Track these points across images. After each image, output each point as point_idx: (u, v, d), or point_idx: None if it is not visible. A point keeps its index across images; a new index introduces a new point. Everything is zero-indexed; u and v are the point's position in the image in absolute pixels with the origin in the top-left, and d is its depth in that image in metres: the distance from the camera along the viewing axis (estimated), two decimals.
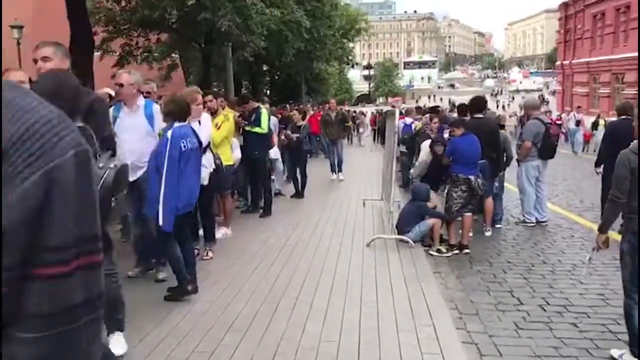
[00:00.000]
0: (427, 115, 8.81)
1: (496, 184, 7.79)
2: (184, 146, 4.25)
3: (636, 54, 22.47)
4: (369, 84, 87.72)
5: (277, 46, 24.54)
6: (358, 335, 3.93)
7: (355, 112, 30.36)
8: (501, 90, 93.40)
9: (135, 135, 4.83)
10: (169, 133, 4.23)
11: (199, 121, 5.54)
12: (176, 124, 4.32)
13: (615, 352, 3.81)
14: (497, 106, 59.12)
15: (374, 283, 5.13)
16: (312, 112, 17.85)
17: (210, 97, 6.53)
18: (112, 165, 2.87)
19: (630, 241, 3.60)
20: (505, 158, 8.00)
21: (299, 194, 10.04)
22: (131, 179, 4.83)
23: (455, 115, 12.41)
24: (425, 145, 7.30)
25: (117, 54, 23.23)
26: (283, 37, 24.03)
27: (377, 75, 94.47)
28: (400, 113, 18.15)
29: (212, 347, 3.71)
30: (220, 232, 6.72)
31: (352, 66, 65.30)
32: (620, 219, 3.80)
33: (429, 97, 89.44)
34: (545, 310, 4.80)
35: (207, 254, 5.83)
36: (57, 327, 0.72)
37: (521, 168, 8.29)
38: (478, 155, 6.61)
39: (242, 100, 8.38)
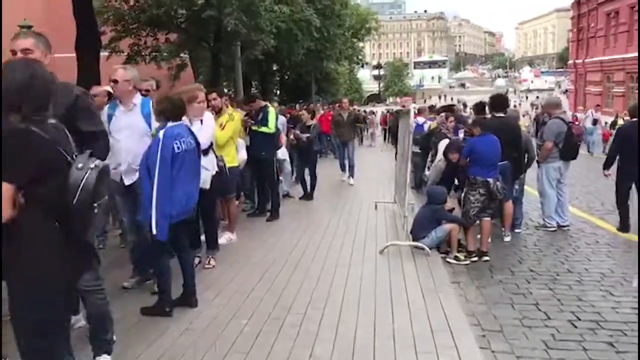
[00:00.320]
0: (443, 114, 8.37)
1: (516, 186, 7.37)
2: (178, 147, 3.89)
3: None
4: (379, 84, 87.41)
5: (287, 45, 24.21)
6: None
7: (365, 111, 29.94)
8: (514, 90, 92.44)
9: (132, 135, 4.48)
10: (161, 133, 3.86)
11: (201, 120, 5.19)
12: (169, 124, 3.96)
13: None
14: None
15: (389, 296, 4.73)
16: (322, 112, 17.44)
17: (214, 95, 6.17)
18: (92, 166, 2.52)
19: None
20: (526, 159, 7.58)
21: (307, 196, 9.67)
22: (127, 182, 4.50)
23: (466, 115, 12.07)
24: (443, 145, 6.90)
25: (126, 53, 23.03)
26: (293, 36, 23.71)
27: (387, 75, 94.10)
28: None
29: None
30: (224, 238, 6.36)
31: (362, 66, 64.86)
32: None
33: (439, 96, 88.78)
34: (576, 326, 4.38)
35: (209, 262, 5.47)
36: None
37: (541, 170, 7.87)
38: (497, 157, 6.20)
39: (249, 99, 8.02)
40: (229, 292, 4.77)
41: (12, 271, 2.39)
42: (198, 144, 4.22)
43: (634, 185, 7.50)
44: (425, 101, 66.70)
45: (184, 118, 5.08)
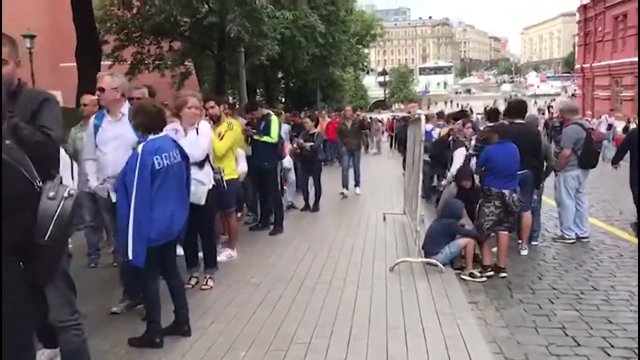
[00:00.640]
0: (460, 120, 7.93)
1: (534, 196, 6.96)
2: (159, 163, 3.50)
3: None
4: (385, 90, 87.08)
5: (291, 52, 23.96)
6: None
7: (371, 118, 29.56)
8: (516, 95, 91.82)
9: (119, 147, 4.12)
10: (140, 147, 3.48)
11: (197, 130, 4.82)
12: (150, 136, 3.57)
13: None
14: None
15: (402, 322, 4.32)
16: (328, 119, 17.07)
17: (211, 103, 5.80)
18: (65, 194, 2.15)
19: None
20: (544, 167, 7.18)
21: (309, 207, 9.28)
22: (114, 199, 4.13)
23: (474, 121, 11.62)
24: (459, 154, 6.50)
25: (129, 62, 22.82)
26: (297, 43, 23.45)
27: (393, 82, 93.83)
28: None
29: None
30: (224, 255, 5.98)
31: (368, 72, 64.66)
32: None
33: (445, 102, 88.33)
34: (609, 354, 3.96)
35: (206, 282, 5.08)
36: None
37: (559, 178, 7.46)
38: (515, 167, 5.80)
39: (251, 107, 7.65)
40: (226, 317, 4.37)
41: None
42: (185, 157, 3.84)
43: None
44: (428, 107, 66.23)
45: (175, 127, 4.74)
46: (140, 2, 18.76)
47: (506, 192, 5.70)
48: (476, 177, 6.12)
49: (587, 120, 23.88)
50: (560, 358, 3.90)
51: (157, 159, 3.46)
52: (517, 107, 7.14)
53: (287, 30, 21.07)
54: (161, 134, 3.63)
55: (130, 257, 3.39)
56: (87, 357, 2.91)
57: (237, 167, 6.02)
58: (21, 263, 2.10)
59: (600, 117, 22.11)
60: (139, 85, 5.43)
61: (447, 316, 4.43)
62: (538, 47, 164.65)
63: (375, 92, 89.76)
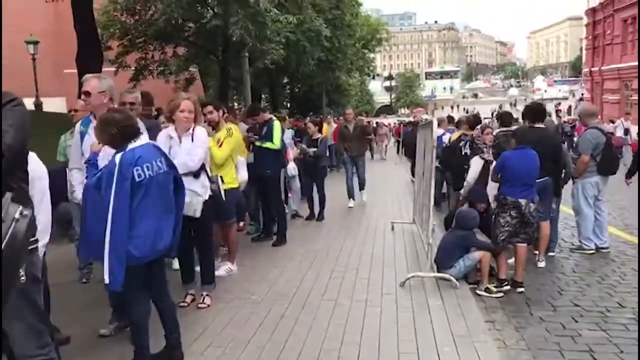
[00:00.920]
0: (478, 126, 7.52)
1: (553, 205, 6.59)
2: (140, 175, 3.15)
3: None
4: (390, 95, 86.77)
5: (296, 56, 23.67)
6: None
7: (377, 123, 29.20)
8: (521, 100, 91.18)
9: (108, 156, 3.77)
10: (118, 157, 3.14)
11: (192, 136, 4.49)
12: (130, 145, 3.23)
13: None
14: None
15: (415, 346, 3.94)
16: (334, 124, 16.72)
17: (209, 107, 5.46)
18: (17, 216, 1.82)
19: None
20: (563, 174, 6.81)
21: (314, 216, 8.93)
22: None
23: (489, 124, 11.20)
24: (476, 163, 6.13)
25: (133, 68, 22.61)
26: (301, 47, 23.17)
27: (399, 86, 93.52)
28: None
29: None
30: (223, 269, 5.63)
31: (373, 77, 64.38)
32: None
33: (452, 107, 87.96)
34: None
35: (203, 300, 4.72)
36: None
37: (577, 186, 7.09)
38: (534, 175, 5.44)
39: (252, 112, 7.32)
40: (223, 340, 4.02)
41: None
42: (173, 166, 3.49)
43: None
44: (433, 112, 65.75)
45: (169, 133, 4.42)
46: (140, 4, 18.49)
47: (522, 201, 5.33)
48: (492, 194, 5.76)
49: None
50: None
51: (137, 170, 3.12)
52: (536, 110, 6.79)
53: (292, 35, 20.80)
54: (142, 142, 3.28)
55: (107, 281, 3.05)
56: None
57: (237, 176, 5.68)
58: None
59: (615, 121, 21.58)
60: (131, 90, 5.11)
61: (464, 339, 4.06)
62: (545, 51, 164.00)
63: (381, 97, 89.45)
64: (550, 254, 6.78)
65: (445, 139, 9.21)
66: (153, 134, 4.63)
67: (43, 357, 2.45)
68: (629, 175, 7.30)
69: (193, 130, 4.51)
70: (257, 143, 6.86)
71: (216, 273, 5.51)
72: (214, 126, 5.51)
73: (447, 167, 8.67)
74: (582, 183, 7.01)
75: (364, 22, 40.42)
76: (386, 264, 6.14)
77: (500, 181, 5.48)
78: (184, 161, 4.33)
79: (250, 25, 14.34)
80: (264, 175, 6.96)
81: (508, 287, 5.46)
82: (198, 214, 4.34)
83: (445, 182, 9.66)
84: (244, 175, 5.84)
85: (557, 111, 49.74)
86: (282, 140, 7.13)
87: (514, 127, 7.66)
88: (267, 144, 6.84)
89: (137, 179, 3.11)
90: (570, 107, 64.27)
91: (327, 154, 12.78)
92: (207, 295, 4.76)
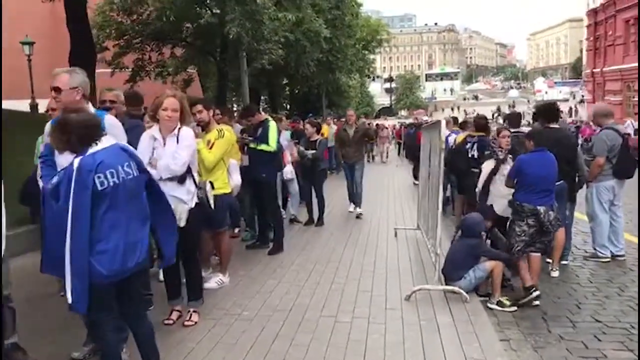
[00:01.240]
0: (496, 128, 7.05)
1: (567, 211, 6.19)
2: (103, 183, 2.75)
3: None
4: (391, 97, 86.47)
5: (296, 57, 23.28)
6: None
7: (377, 124, 28.79)
8: (527, 100, 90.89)
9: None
10: (76, 162, 2.73)
11: (177, 137, 4.08)
12: (92, 149, 2.81)
13: None
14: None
15: None
16: (334, 126, 16.31)
17: (199, 107, 5.04)
18: None
19: None
20: (577, 179, 6.41)
21: (312, 221, 8.51)
22: None
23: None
24: (487, 166, 5.71)
25: (130, 69, 22.25)
26: (301, 47, 22.78)
27: (399, 88, 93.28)
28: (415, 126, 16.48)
29: None
30: (214, 281, 5.22)
31: (373, 79, 64.04)
32: None
33: (452, 109, 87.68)
34: None
35: (190, 317, 4.30)
36: None
37: (592, 190, 6.69)
38: (552, 179, 5.04)
39: (246, 112, 6.91)
40: None
41: None
42: (145, 171, 3.07)
43: None
44: (431, 114, 65.31)
45: (152, 134, 4.02)
46: (135, 3, 18.14)
47: (541, 209, 4.92)
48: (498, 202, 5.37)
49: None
50: None
51: (99, 177, 2.70)
52: (550, 110, 6.39)
53: (291, 35, 20.42)
54: (106, 144, 2.86)
55: (70, 301, 2.64)
56: None
57: (229, 180, 5.26)
58: None
59: (625, 122, 21.13)
60: (112, 87, 4.70)
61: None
62: (545, 53, 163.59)
63: (382, 99, 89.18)
64: (564, 262, 6.38)
65: (451, 140, 8.80)
66: (136, 134, 4.24)
67: None
68: None
69: (179, 130, 4.10)
70: (252, 145, 6.45)
71: (206, 285, 5.14)
72: (204, 127, 5.10)
73: (453, 170, 8.26)
74: (597, 187, 6.62)
75: (364, 23, 40.05)
76: (390, 274, 5.71)
77: (516, 187, 5.07)
78: (166, 164, 3.93)
79: (247, 23, 13.94)
80: (259, 179, 6.55)
81: (538, 292, 5.01)
82: (183, 223, 3.93)
83: (450, 185, 9.25)
84: (236, 179, 5.42)
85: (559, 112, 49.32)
86: (279, 142, 6.71)
87: (523, 128, 7.27)
88: (263, 146, 6.43)
89: (100, 188, 2.69)
90: (571, 108, 63.94)
91: (328, 156, 12.39)
92: (194, 311, 4.34)
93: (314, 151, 8.35)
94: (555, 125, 5.99)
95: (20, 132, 7.47)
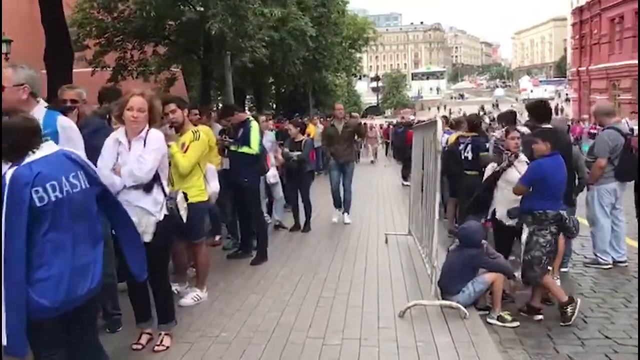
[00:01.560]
0: (503, 128, 6.59)
1: None
2: (42, 198, 2.29)
3: None
4: (377, 96, 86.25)
5: (282, 55, 22.84)
6: None
7: (365, 124, 28.41)
8: (515, 99, 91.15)
9: None
10: (8, 174, 2.25)
11: (145, 141, 3.62)
12: (29, 158, 2.34)
13: None
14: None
15: None
16: (321, 126, 15.89)
17: (172, 106, 4.59)
18: None
19: None
20: (577, 180, 6.06)
21: (299, 226, 8.09)
22: None
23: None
24: (490, 171, 5.29)
25: (111, 68, 21.68)
26: (287, 46, 22.34)
27: (386, 87, 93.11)
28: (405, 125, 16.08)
29: None
30: (190, 297, 4.77)
31: (360, 78, 63.72)
32: None
33: (438, 108, 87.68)
34: None
35: (161, 341, 3.85)
36: None
37: (592, 193, 6.37)
38: (565, 182, 4.70)
39: (225, 112, 6.46)
40: None
41: None
42: (97, 182, 2.61)
43: None
44: (415, 113, 65.18)
45: (117, 137, 3.57)
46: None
47: (564, 213, 4.59)
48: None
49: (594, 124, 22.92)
50: None
51: (37, 191, 2.25)
52: (542, 110, 6.03)
53: (277, 34, 19.96)
54: (47, 152, 2.40)
55: (5, 342, 2.19)
56: None
57: (206, 187, 4.81)
58: None
59: (620, 120, 20.83)
60: (74, 85, 4.23)
61: None
62: (529, 52, 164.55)
63: (368, 98, 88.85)
64: (563, 269, 6.04)
65: (443, 141, 8.41)
66: (104, 136, 3.79)
67: None
68: None
69: (147, 133, 3.65)
70: (232, 148, 6.00)
71: (182, 301, 4.71)
72: (178, 128, 4.65)
73: (445, 172, 7.88)
74: (598, 190, 6.30)
75: (351, 21, 39.66)
76: (382, 287, 5.29)
77: (530, 194, 4.64)
78: (130, 170, 3.48)
79: (229, 18, 13.43)
80: (241, 183, 6.11)
81: (573, 308, 4.58)
82: (148, 238, 3.47)
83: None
84: (214, 186, 4.96)
85: None
86: (261, 144, 6.26)
87: (519, 127, 6.90)
88: (244, 149, 5.98)
89: (39, 204, 2.24)
90: (557, 106, 64.12)
91: (315, 157, 11.93)
92: (165, 334, 3.88)
93: (299, 153, 7.92)
94: (548, 125, 5.62)
95: None
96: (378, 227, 8.18)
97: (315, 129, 14.57)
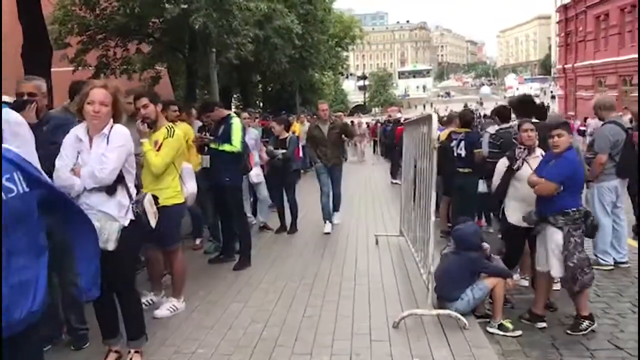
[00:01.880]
0: (516, 121, 6.16)
1: None
2: None
3: None
4: (364, 94, 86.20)
5: (268, 53, 22.48)
6: None
7: (352, 122, 28.07)
8: (503, 97, 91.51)
9: None
10: None
11: (108, 138, 3.23)
12: None
13: None
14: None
15: None
16: (307, 124, 15.53)
17: (144, 100, 4.20)
18: None
19: None
20: None
21: (285, 228, 7.72)
22: None
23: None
24: (501, 165, 4.90)
25: (93, 67, 21.16)
26: (272, 45, 21.99)
27: (372, 86, 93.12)
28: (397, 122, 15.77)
29: None
30: (165, 307, 4.38)
31: (347, 77, 63.52)
32: None
33: (424, 106, 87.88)
34: None
35: (130, 359, 3.47)
36: None
37: (592, 191, 6.07)
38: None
39: (205, 108, 6.07)
40: None
41: None
42: (39, 184, 2.18)
43: None
44: (400, 111, 65.35)
45: (77, 134, 3.18)
46: None
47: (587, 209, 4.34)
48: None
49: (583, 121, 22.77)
50: None
51: None
52: (531, 104, 5.77)
53: (262, 32, 19.59)
54: None
55: None
56: None
57: (182, 188, 4.43)
58: None
59: (621, 114, 20.64)
60: (31, 77, 3.82)
61: None
62: (514, 50, 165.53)
63: (355, 97, 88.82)
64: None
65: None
66: (65, 132, 3.39)
67: None
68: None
69: (110, 129, 3.25)
70: (213, 145, 5.61)
71: (157, 313, 4.32)
72: (151, 124, 4.26)
73: (437, 170, 7.55)
74: (599, 188, 6.00)
75: (337, 19, 39.39)
76: (373, 293, 4.93)
77: (562, 191, 4.25)
78: (90, 171, 3.08)
79: (214, 13, 13.00)
80: (223, 183, 5.73)
81: (588, 324, 4.26)
82: (112, 246, 3.07)
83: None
84: (191, 187, 4.56)
85: None
86: (244, 142, 5.87)
87: (513, 123, 6.59)
88: (225, 147, 5.59)
89: None
90: (542, 104, 64.43)
91: (302, 155, 11.57)
92: (135, 352, 3.48)
93: (284, 151, 7.54)
94: (536, 120, 5.31)
95: None
96: (367, 227, 7.83)
97: (300, 127, 14.23)
